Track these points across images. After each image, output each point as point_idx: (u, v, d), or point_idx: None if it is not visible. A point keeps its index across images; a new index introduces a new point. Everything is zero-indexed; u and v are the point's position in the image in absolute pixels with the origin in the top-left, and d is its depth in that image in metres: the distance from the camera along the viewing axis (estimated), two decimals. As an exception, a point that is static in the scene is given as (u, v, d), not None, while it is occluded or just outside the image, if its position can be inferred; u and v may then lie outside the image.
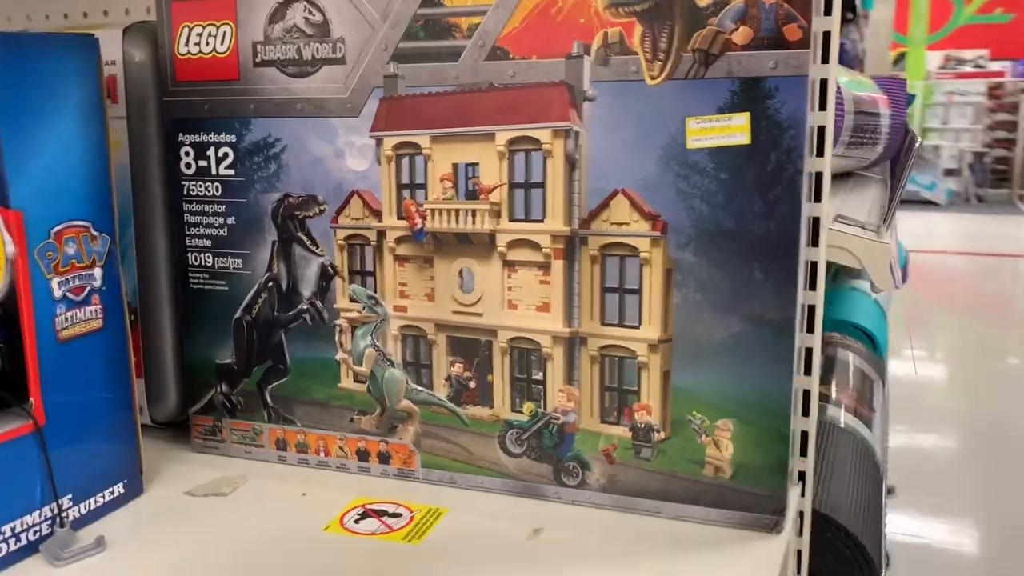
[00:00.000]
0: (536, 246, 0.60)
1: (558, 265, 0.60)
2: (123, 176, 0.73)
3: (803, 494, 0.67)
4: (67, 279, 0.60)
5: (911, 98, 1.46)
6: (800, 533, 0.68)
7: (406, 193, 0.63)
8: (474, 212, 0.61)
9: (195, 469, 0.71)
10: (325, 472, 0.70)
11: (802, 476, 0.66)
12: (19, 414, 0.57)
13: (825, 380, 0.96)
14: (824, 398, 0.91)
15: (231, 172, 0.67)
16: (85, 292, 0.61)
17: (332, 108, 0.63)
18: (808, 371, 0.64)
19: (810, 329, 0.64)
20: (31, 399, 0.58)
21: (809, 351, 0.64)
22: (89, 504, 0.62)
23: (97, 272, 0.62)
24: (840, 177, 1.03)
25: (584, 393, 0.61)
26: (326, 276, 0.67)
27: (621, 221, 0.57)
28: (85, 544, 0.58)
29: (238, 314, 0.70)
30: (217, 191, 0.68)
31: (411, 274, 0.64)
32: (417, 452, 0.67)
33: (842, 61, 2.38)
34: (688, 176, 0.55)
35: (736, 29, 0.53)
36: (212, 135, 0.67)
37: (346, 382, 0.68)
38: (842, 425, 0.90)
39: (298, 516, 0.63)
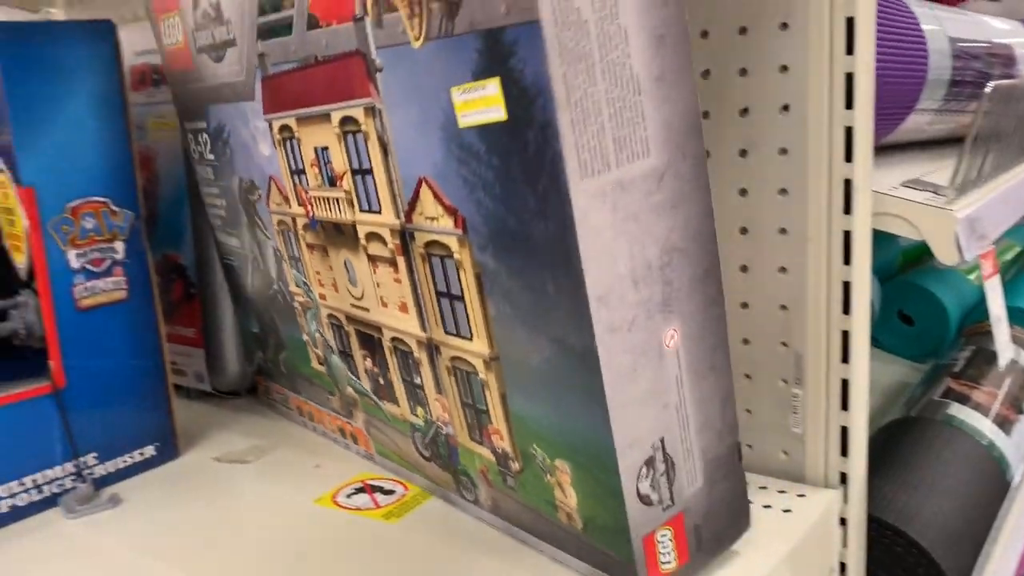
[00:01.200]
0: (383, 240, 0.52)
1: (402, 262, 0.52)
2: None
3: (846, 500, 0.53)
4: (85, 252, 0.67)
5: None
6: (845, 544, 0.54)
7: (297, 179, 0.59)
8: (337, 200, 0.55)
9: (240, 437, 0.76)
10: (340, 452, 0.71)
11: (844, 479, 0.53)
12: (41, 375, 0.67)
13: (973, 378, 0.70)
14: (963, 398, 0.67)
15: (212, 157, 0.69)
16: (106, 264, 0.68)
17: (239, 91, 0.61)
18: (846, 358, 0.50)
19: (846, 311, 0.49)
20: (51, 362, 0.67)
21: (845, 334, 0.49)
22: (117, 464, 0.71)
23: (119, 245, 0.68)
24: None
25: (451, 406, 0.53)
26: (277, 259, 0.66)
27: (432, 216, 0.47)
28: (99, 501, 0.68)
29: (249, 289, 0.73)
30: (211, 175, 0.71)
31: (318, 263, 0.60)
32: (370, 439, 0.64)
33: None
34: (468, 161, 0.43)
35: (464, -34, 0.39)
36: (195, 122, 0.70)
37: (314, 363, 0.67)
38: (969, 431, 0.67)
39: (301, 487, 0.64)
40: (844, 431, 0.55)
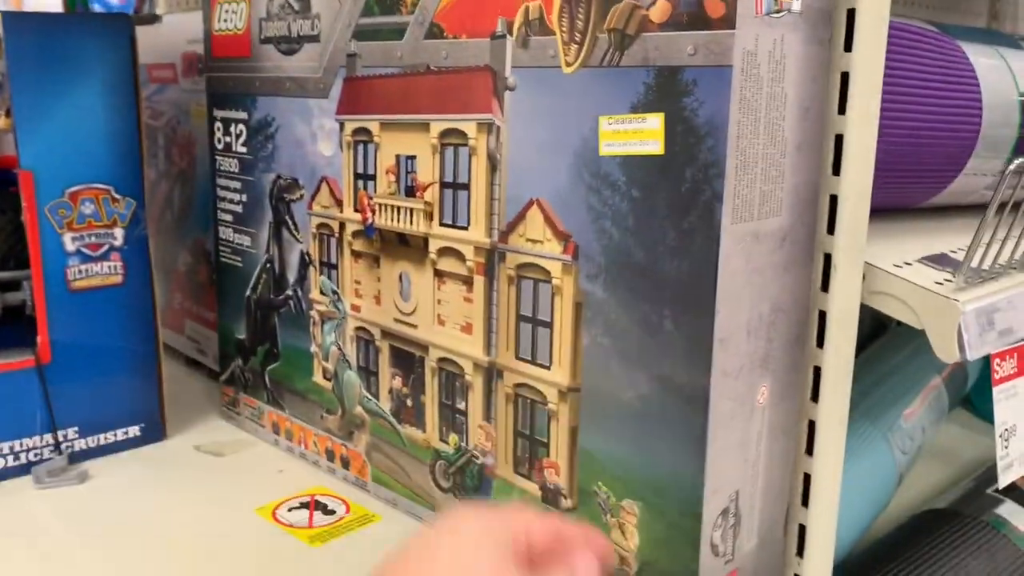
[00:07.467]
0: (461, 257, 0.52)
1: (479, 282, 0.51)
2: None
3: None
4: (82, 235, 0.64)
5: None
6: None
7: (362, 183, 0.57)
8: (411, 211, 0.54)
9: (229, 426, 0.74)
10: (305, 464, 0.68)
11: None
12: (27, 350, 0.63)
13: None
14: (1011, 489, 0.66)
15: (244, 149, 0.67)
16: (103, 249, 0.65)
17: (309, 88, 0.60)
18: (810, 451, 0.49)
19: (815, 397, 0.48)
20: (38, 337, 0.63)
21: (812, 424, 0.49)
22: (99, 440, 0.67)
23: (118, 232, 0.66)
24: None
25: (500, 435, 0.52)
26: (303, 264, 0.64)
27: (535, 238, 0.47)
28: (68, 475, 0.63)
29: (247, 292, 0.70)
30: (235, 167, 0.68)
31: (363, 272, 0.59)
32: (368, 464, 0.62)
33: None
34: (600, 190, 0.44)
35: (653, 2, 0.40)
36: (232, 111, 0.67)
37: (318, 376, 0.65)
38: (1018, 541, 0.66)
39: (251, 492, 0.62)
40: (802, 529, 0.48)
